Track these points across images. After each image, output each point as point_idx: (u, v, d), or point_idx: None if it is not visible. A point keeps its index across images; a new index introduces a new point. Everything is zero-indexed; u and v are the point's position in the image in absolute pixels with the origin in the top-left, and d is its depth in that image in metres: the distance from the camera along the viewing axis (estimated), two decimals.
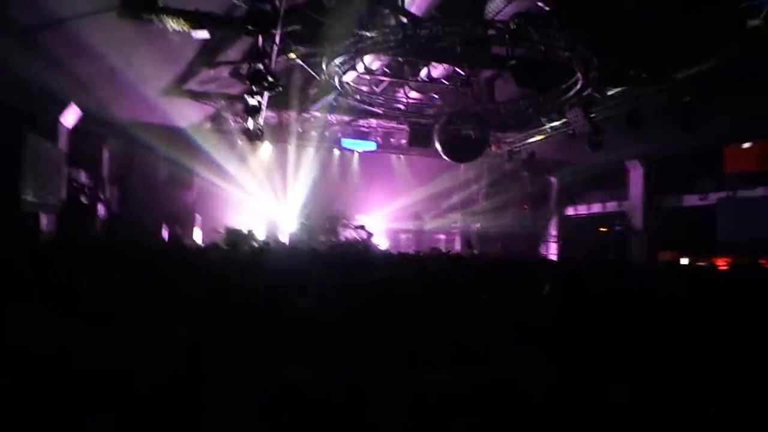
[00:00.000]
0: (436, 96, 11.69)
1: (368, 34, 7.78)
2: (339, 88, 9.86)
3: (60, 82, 7.45)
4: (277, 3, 6.85)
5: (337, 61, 8.79)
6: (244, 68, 9.34)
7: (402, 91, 11.23)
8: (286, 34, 7.85)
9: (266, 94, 9.56)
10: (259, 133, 11.11)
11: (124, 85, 9.02)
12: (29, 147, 7.12)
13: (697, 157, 12.23)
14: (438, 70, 9.95)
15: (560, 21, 7.30)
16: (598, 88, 9.66)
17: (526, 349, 2.10)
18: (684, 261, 11.46)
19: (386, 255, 9.92)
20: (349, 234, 14.01)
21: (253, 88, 9.26)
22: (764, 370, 1.73)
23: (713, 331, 2.32)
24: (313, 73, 9.77)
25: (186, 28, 6.99)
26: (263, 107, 9.80)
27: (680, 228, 12.57)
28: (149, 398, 1.48)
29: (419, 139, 12.53)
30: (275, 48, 8.31)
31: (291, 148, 14.88)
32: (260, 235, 13.71)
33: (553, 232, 16.65)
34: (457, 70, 9.88)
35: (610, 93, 10.02)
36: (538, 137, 13.06)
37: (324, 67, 9.06)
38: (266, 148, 14.74)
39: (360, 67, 9.45)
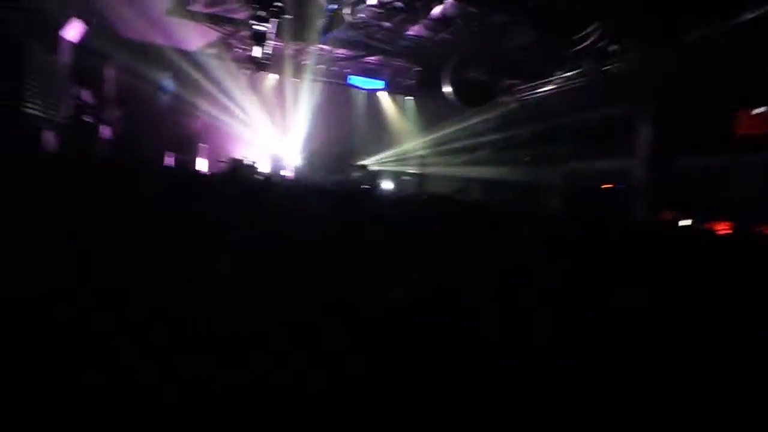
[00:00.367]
0: (448, 36, 11.36)
1: None
2: (349, 19, 9.59)
3: None
4: None
5: None
6: None
7: (413, 28, 10.91)
8: None
9: (274, 21, 9.34)
10: (265, 63, 10.92)
11: (129, 2, 8.81)
12: (30, 58, 7.03)
13: (707, 118, 11.99)
14: (452, 7, 9.63)
15: None
16: (614, 40, 9.38)
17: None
18: (685, 222, 11.45)
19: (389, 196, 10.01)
20: (354, 174, 14.01)
21: (261, 13, 9.05)
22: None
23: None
24: (322, 2, 9.50)
25: None
26: (270, 35, 9.59)
27: (685, 189, 12.49)
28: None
29: (429, 80, 12.30)
30: None
31: (296, 82, 14.63)
32: (264, 169, 13.75)
33: (556, 185, 16.58)
34: (471, 9, 9.57)
35: (624, 45, 9.73)
36: (548, 87, 12.79)
37: None
38: (271, 80, 14.51)
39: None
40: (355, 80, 13.91)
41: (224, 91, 13.69)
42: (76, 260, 1.91)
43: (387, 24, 10.66)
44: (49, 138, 8.07)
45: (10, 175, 3.58)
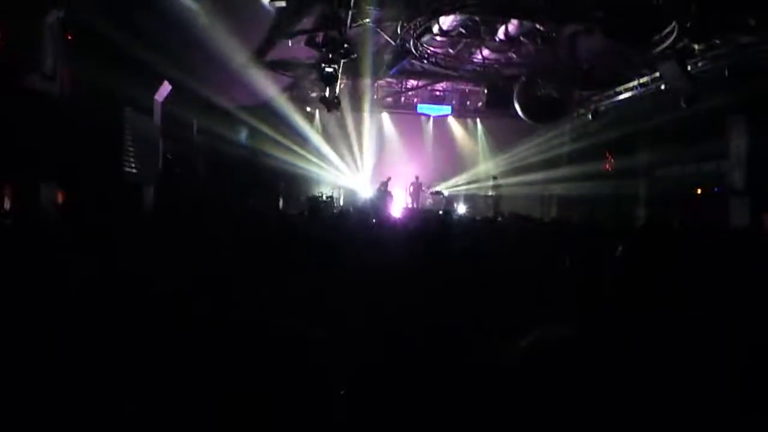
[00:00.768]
0: (513, 56, 11.22)
1: None
2: (413, 51, 9.72)
3: (153, 59, 7.86)
4: None
5: (412, 23, 8.65)
6: (320, 36, 9.44)
7: (478, 51, 10.88)
8: None
9: (342, 61, 9.63)
10: (336, 101, 11.25)
11: (210, 60, 9.38)
12: (129, 123, 7.64)
13: None
14: (516, 27, 9.52)
15: None
16: (695, 38, 8.86)
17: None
18: None
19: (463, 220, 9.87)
20: (428, 200, 14.02)
21: (329, 55, 9.36)
22: None
23: None
24: (387, 38, 9.69)
25: None
26: (339, 74, 9.88)
27: None
28: None
29: (497, 101, 12.17)
30: (349, 14, 8.30)
31: (366, 116, 14.96)
32: (339, 202, 14.08)
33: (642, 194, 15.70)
34: (537, 26, 9.41)
35: (708, 43, 9.16)
36: (626, 94, 12.25)
37: (398, 30, 8.95)
38: (341, 117, 14.92)
39: (435, 29, 9.25)
40: (423, 108, 14.03)
41: (298, 133, 14.24)
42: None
43: (452, 50, 10.71)
44: (148, 194, 8.66)
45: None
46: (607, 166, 16.07)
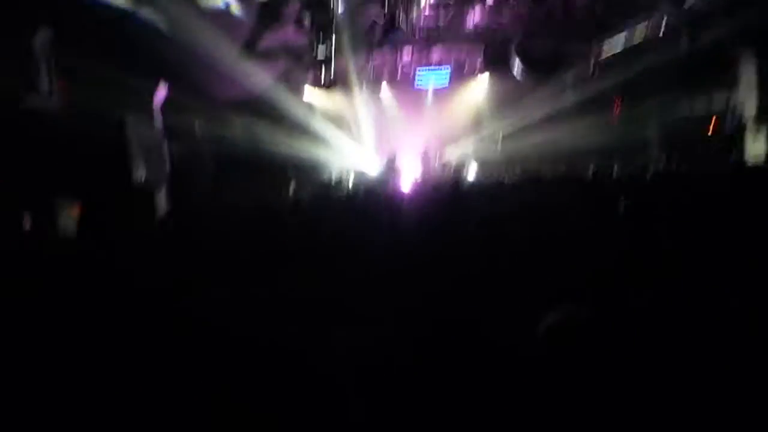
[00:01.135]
0: (506, 15, 10.99)
1: None
2: (404, 21, 9.56)
3: (149, 64, 7.86)
4: None
5: None
6: (308, 19, 9.32)
7: (470, 13, 10.67)
8: None
9: (333, 41, 9.52)
10: (332, 82, 11.16)
11: (202, 62, 9.34)
12: (130, 129, 7.65)
13: None
14: None
15: None
16: None
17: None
18: None
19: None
20: (437, 169, 13.94)
21: (320, 37, 9.25)
22: None
23: None
24: (375, 13, 9.53)
25: None
26: (332, 55, 9.78)
27: None
28: None
29: (495, 61, 11.96)
30: None
31: (363, 92, 14.80)
32: (348, 184, 14.04)
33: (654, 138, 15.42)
34: None
35: None
36: (624, 40, 11.94)
37: (386, 5, 8.80)
38: (341, 97, 14.78)
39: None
40: (421, 76, 13.79)
41: (298, 119, 14.15)
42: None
43: (443, 15, 10.51)
44: (160, 198, 8.72)
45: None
46: (616, 114, 15.78)
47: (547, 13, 10.29)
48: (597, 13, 10.42)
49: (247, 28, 9.16)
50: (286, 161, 14.35)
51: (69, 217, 6.49)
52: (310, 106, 14.50)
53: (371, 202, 6.44)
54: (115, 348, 1.60)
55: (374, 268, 2.07)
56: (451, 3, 9.74)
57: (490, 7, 10.06)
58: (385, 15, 9.37)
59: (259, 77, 11.18)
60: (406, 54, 12.85)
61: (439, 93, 15.56)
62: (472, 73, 14.13)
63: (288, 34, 10.10)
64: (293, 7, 9.05)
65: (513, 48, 10.99)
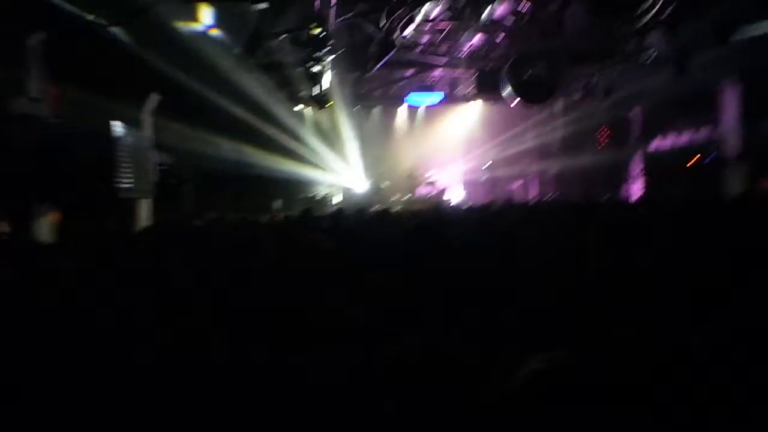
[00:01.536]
0: (500, 39, 11.15)
1: None
2: (399, 42, 9.64)
3: (138, 75, 7.85)
4: None
5: (396, 13, 8.58)
6: (304, 34, 9.36)
7: (465, 36, 10.81)
8: None
9: (328, 58, 9.56)
10: (325, 99, 11.18)
11: (196, 66, 9.35)
12: (118, 137, 7.59)
13: None
14: (502, 8, 9.45)
15: None
16: (682, 5, 8.80)
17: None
18: None
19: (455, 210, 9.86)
20: (422, 190, 13.99)
21: (315, 53, 9.29)
22: None
23: None
24: (371, 31, 9.61)
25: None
26: (326, 72, 9.82)
27: None
28: None
29: (487, 85, 12.08)
30: (332, 10, 8.24)
31: (357, 110, 14.89)
32: (335, 200, 14.04)
33: (637, 168, 15.69)
34: (520, 8, 9.34)
35: (695, 9, 9.10)
36: (616, 68, 12.19)
37: (383, 21, 8.87)
38: (333, 112, 14.82)
39: (419, 17, 9.17)
40: (413, 98, 13.92)
41: (289, 132, 14.17)
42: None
43: (438, 38, 10.64)
44: (144, 208, 8.63)
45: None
46: (603, 142, 16.05)
47: (539, 39, 10.45)
48: (588, 41, 10.62)
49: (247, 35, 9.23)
50: (272, 177, 14.33)
51: (47, 223, 6.39)
52: (300, 122, 14.53)
53: (353, 220, 6.42)
54: (84, 359, 1.57)
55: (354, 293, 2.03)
56: (447, 25, 9.87)
57: (485, 31, 10.21)
58: (380, 33, 9.44)
59: (254, 87, 11.22)
60: (400, 73, 12.96)
61: (431, 115, 15.71)
62: (465, 97, 14.29)
63: (286, 47, 10.16)
64: (291, 20, 9.11)
65: (504, 73, 11.13)
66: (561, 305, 1.78)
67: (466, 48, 11.10)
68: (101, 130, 7.40)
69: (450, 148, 16.25)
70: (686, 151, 14.16)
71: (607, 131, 15.93)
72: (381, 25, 9.17)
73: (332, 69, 10.36)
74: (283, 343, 1.63)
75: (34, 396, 1.38)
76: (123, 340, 1.60)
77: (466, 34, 10.64)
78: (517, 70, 10.84)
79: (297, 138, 14.13)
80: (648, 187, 15.04)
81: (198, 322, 1.64)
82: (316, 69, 9.38)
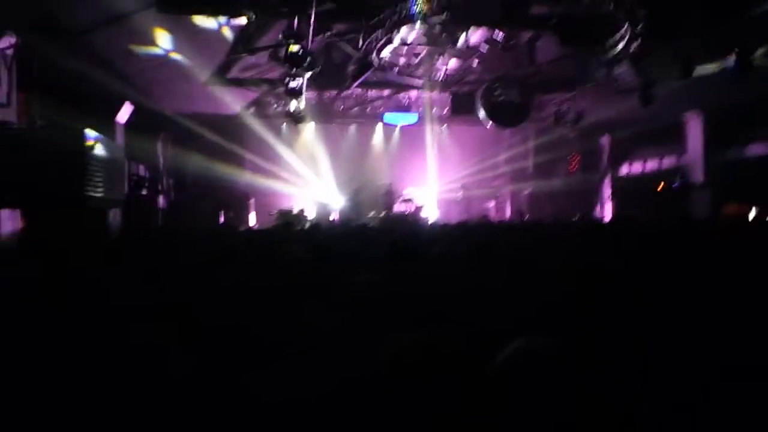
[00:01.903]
0: (475, 64, 11.44)
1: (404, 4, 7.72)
2: (377, 63, 9.83)
3: (112, 82, 7.82)
4: None
5: (374, 35, 8.76)
6: (282, 51, 9.46)
7: (441, 60, 11.06)
8: (321, 13, 7.87)
9: (306, 75, 9.67)
10: (302, 115, 11.27)
11: (171, 78, 9.34)
12: (89, 145, 7.52)
13: (758, 106, 11.45)
14: (477, 35, 9.73)
15: None
16: (647, 40, 9.18)
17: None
18: (751, 213, 10.89)
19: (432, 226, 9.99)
20: (398, 207, 14.10)
21: (293, 70, 9.39)
22: None
23: None
24: (349, 51, 9.78)
25: (224, 16, 7.14)
26: (304, 88, 9.92)
27: (744, 180, 11.89)
28: None
29: (462, 108, 12.36)
30: (311, 28, 8.36)
31: (333, 127, 15.03)
32: (311, 215, 14.05)
33: (607, 192, 16.12)
34: (495, 36, 9.62)
35: (660, 44, 9.50)
36: (585, 96, 12.60)
37: (360, 42, 9.05)
38: (310, 129, 14.93)
39: (396, 40, 9.37)
40: (390, 117, 14.11)
41: (266, 147, 14.21)
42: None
43: (415, 60, 10.86)
44: (114, 216, 8.53)
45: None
46: (572, 168, 16.47)
47: (513, 65, 10.77)
48: (560, 69, 10.98)
49: (226, 49, 9.25)
50: (247, 188, 14.30)
51: (12, 227, 6.28)
52: (279, 137, 14.59)
53: (328, 235, 6.47)
54: (38, 371, 1.55)
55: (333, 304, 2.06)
56: (424, 48, 10.11)
57: (460, 57, 10.48)
58: (359, 52, 9.61)
59: (229, 101, 11.24)
60: (377, 92, 13.15)
61: (407, 134, 15.93)
62: (440, 119, 14.55)
63: (263, 63, 10.24)
64: (270, 37, 9.20)
65: (478, 98, 11.41)
66: (537, 318, 1.85)
67: (442, 71, 11.35)
68: (71, 137, 7.33)
69: (426, 167, 16.49)
70: (654, 177, 14.65)
71: (577, 156, 16.38)
72: (359, 46, 9.35)
73: (310, 86, 10.49)
74: (250, 358, 1.63)
75: None
76: (79, 352, 1.59)
77: (441, 58, 10.89)
78: (490, 94, 11.13)
79: (272, 152, 14.18)
80: (617, 209, 15.47)
81: (155, 337, 1.64)
82: (293, 85, 9.47)
